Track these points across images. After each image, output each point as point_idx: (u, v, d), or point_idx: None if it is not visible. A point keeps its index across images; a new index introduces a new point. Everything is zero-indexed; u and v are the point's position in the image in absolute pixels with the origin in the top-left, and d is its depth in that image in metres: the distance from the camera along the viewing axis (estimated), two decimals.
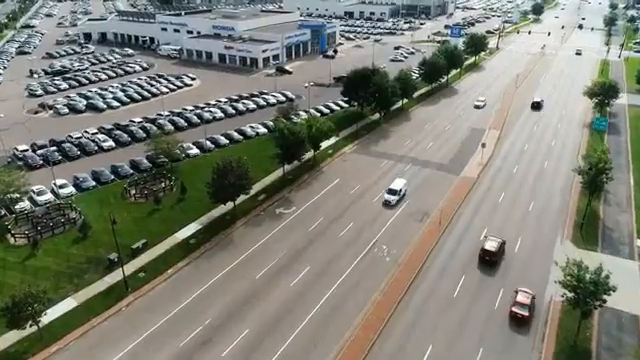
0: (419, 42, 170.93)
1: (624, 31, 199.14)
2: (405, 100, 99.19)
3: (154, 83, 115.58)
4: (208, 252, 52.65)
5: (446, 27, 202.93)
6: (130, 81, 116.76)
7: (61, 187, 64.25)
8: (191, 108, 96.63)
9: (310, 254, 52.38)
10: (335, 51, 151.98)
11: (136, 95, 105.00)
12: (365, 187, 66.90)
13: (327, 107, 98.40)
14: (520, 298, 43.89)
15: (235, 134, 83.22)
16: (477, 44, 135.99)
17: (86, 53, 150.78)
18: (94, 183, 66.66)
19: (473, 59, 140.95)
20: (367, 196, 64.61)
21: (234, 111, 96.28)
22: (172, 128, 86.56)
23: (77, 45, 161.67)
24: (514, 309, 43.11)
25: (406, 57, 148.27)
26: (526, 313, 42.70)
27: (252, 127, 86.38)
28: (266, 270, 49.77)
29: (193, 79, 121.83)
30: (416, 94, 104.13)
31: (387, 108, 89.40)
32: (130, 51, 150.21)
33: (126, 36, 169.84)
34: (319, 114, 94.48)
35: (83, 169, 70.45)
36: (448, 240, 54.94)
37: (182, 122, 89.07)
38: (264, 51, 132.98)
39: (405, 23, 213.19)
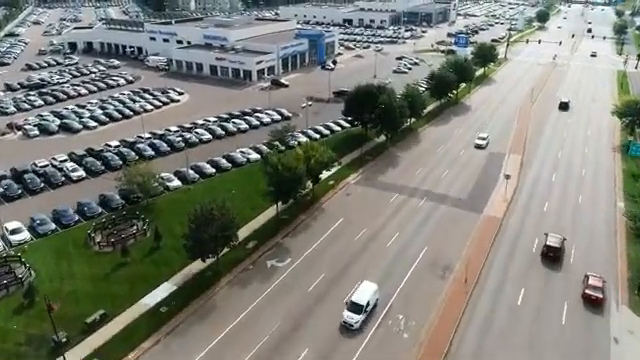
0: (422, 52, 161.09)
1: (636, 40, 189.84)
2: (413, 119, 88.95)
3: (137, 99, 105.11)
4: (182, 325, 42.03)
5: (449, 35, 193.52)
6: (112, 97, 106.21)
7: (13, 232, 53.76)
8: (175, 129, 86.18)
9: (310, 328, 41.89)
10: (334, 62, 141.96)
11: (116, 113, 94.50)
12: (374, 230, 56.48)
13: (327, 127, 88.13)
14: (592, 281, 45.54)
15: (223, 161, 72.73)
16: (486, 55, 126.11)
17: (69, 64, 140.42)
18: (54, 226, 56.08)
19: (482, 71, 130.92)
20: (376, 243, 54.19)
21: (223, 132, 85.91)
22: (153, 153, 76.14)
23: (61, 55, 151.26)
24: (587, 291, 44.82)
25: (410, 68, 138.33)
26: (600, 295, 44.35)
27: (243, 152, 76.00)
28: (255, 352, 39.25)
29: (181, 94, 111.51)
30: (424, 111, 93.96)
31: (395, 130, 79.09)
32: (116, 62, 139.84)
33: (113, 46, 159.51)
34: (318, 135, 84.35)
35: (46, 206, 59.97)
36: (479, 305, 44.52)
37: (164, 146, 78.58)
38: (258, 63, 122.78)
39: (406, 31, 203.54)
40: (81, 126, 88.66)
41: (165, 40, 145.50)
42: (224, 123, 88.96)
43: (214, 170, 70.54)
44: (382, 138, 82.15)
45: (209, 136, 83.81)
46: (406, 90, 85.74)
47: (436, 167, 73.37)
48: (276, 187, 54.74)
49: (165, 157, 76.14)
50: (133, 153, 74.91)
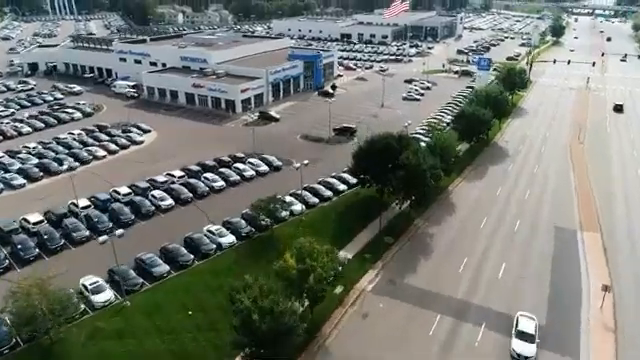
0: (433, 72, 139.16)
1: None
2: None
3: (90, 141, 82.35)
4: None
5: (459, 52, 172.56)
6: (57, 139, 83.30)
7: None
8: (126, 191, 63.22)
9: None
10: (333, 86, 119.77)
11: (55, 164, 71.61)
12: None
13: (328, 186, 65.52)
14: None
15: (182, 253, 49.78)
16: (515, 80, 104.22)
17: (23, 90, 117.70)
18: None
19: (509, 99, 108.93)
20: None
21: (190, 194, 63.13)
22: (62, 242, 52.66)
23: (18, 79, 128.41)
24: None
25: (422, 94, 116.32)
26: None
27: (211, 234, 53.26)
28: None
29: (146, 132, 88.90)
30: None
31: (424, 198, 56.55)
32: (77, 88, 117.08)
33: (79, 67, 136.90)
34: (317, 200, 61.75)
35: None
36: None
37: (104, 220, 55.77)
38: (243, 91, 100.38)
39: (411, 47, 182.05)
40: (1, 186, 65.79)
41: (137, 61, 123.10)
42: (192, 180, 66.12)
43: (165, 270, 47.55)
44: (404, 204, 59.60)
45: (170, 202, 61.00)
46: (435, 139, 63.25)
47: (486, 257, 50.81)
48: (251, 338, 32.05)
49: (83, 246, 53.20)
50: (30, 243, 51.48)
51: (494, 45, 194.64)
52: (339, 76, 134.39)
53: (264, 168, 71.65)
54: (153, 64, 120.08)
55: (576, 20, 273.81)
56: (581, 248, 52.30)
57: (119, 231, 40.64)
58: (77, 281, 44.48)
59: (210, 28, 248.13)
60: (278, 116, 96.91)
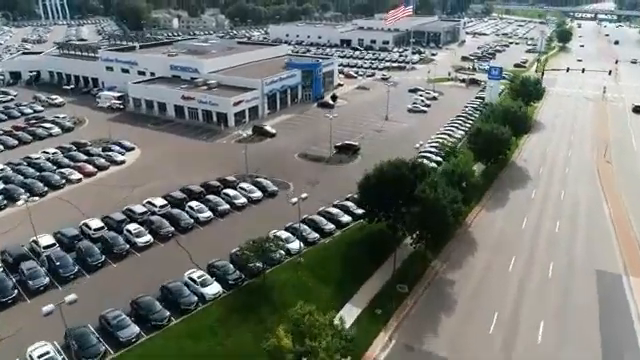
0: (438, 81, 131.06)
1: None
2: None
3: (66, 161, 73.92)
4: None
5: (464, 59, 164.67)
6: (29, 159, 74.76)
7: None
8: (97, 225, 54.69)
9: None
10: (334, 97, 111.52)
11: (21, 190, 63.05)
12: None
13: (330, 217, 57.14)
14: None
15: (155, 309, 41.27)
16: (531, 91, 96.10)
17: (1, 101, 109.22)
18: None
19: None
20: None
21: (171, 229, 54.69)
22: (15, 293, 44.32)
23: None
24: None
25: (428, 105, 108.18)
26: None
27: (193, 281, 44.75)
28: None
29: (129, 150, 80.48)
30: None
31: (442, 238, 48.13)
32: (58, 99, 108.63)
33: (64, 76, 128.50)
34: (317, 235, 53.36)
35: None
36: None
37: (56, 267, 47.30)
38: (236, 103, 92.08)
39: (413, 53, 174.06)
40: None
41: (124, 70, 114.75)
42: (175, 211, 57.69)
43: (132, 334, 39.05)
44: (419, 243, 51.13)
45: (147, 238, 52.52)
46: (452, 165, 54.87)
47: (519, 313, 42.42)
48: None
49: (42, 295, 44.86)
50: None
51: (499, 51, 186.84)
52: (339, 85, 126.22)
53: (257, 194, 63.20)
54: (141, 73, 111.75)
55: (579, 26, 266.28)
56: (631, 299, 43.95)
57: (70, 297, 32.14)
58: (24, 350, 36.08)
59: (206, 33, 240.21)
60: (274, 131, 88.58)
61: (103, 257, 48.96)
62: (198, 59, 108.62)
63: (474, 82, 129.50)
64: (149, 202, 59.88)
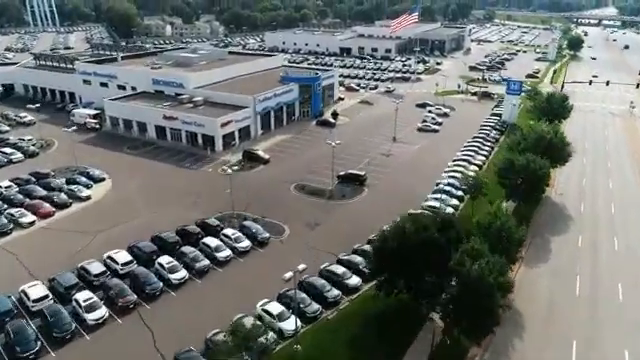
0: (447, 94, 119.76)
1: None
2: None
3: (20, 197, 62.08)
4: None
5: (472, 69, 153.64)
6: None
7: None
8: (39, 294, 42.71)
9: None
10: (335, 114, 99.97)
11: None
12: None
13: (335, 278, 45.30)
14: None
15: None
16: (557, 109, 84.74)
17: None
18: None
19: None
20: None
21: (133, 297, 42.83)
22: None
23: None
24: None
25: (440, 123, 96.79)
26: None
27: None
28: None
29: (99, 181, 68.69)
30: None
31: (488, 325, 36.09)
32: (28, 117, 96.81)
33: (40, 90, 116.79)
34: (317, 307, 41.55)
35: None
36: None
37: None
38: (224, 124, 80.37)
39: (417, 62, 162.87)
40: None
41: (103, 84, 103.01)
42: (141, 271, 45.91)
43: None
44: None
45: (101, 313, 40.67)
46: (492, 218, 43.09)
47: None
48: None
49: None
50: None
51: (507, 60, 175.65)
52: (340, 99, 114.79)
53: (245, 244, 51.42)
54: (121, 88, 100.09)
55: (586, 34, 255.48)
56: None
57: None
58: None
59: (199, 41, 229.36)
60: (267, 156, 76.89)
61: (39, 344, 37.16)
62: (183, 73, 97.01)
63: (487, 95, 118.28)
64: (110, 258, 48.03)
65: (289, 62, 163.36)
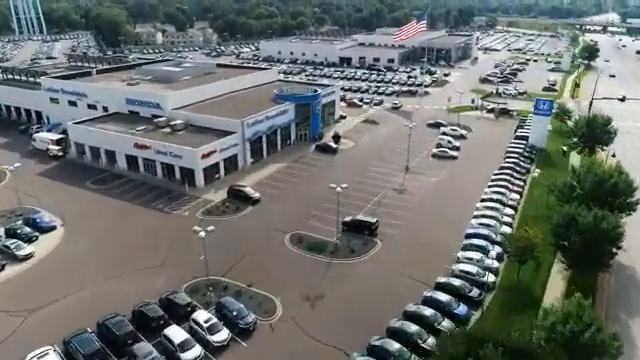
0: (460, 110, 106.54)
1: None
2: None
3: None
4: None
5: (483, 81, 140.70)
6: None
7: None
8: None
9: None
10: (336, 137, 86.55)
11: None
12: None
13: None
14: None
15: None
16: (600, 135, 71.49)
17: None
18: None
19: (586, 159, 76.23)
20: None
21: None
22: None
23: None
24: None
25: (457, 148, 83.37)
26: None
27: None
28: None
29: (48, 230, 55.03)
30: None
31: None
32: None
33: (4, 108, 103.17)
34: None
35: None
36: None
37: None
38: (206, 155, 66.71)
39: (422, 73, 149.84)
40: None
41: (72, 103, 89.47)
42: None
43: None
44: None
45: None
46: (575, 330, 29.42)
47: None
48: None
49: None
50: None
51: (519, 70, 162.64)
52: (342, 118, 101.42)
53: (221, 336, 37.75)
54: (92, 107, 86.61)
55: (589, 43, 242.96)
56: None
57: None
58: None
59: (191, 49, 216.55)
60: (257, 195, 63.31)
61: None
62: (162, 91, 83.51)
63: (505, 113, 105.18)
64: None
65: (285, 73, 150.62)
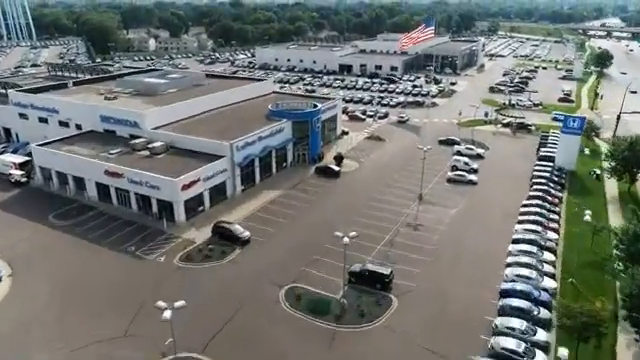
0: (472, 124, 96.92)
1: None
2: None
3: None
4: None
5: (493, 90, 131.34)
6: None
7: None
8: None
9: None
10: (339, 159, 76.47)
11: None
12: None
13: None
14: None
15: None
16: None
17: None
18: None
19: (620, 187, 66.56)
20: None
21: None
22: None
23: None
24: None
25: (475, 170, 73.42)
26: None
27: None
28: None
29: None
30: None
31: None
32: None
33: None
34: None
35: None
36: None
37: None
38: (187, 186, 56.49)
39: (428, 82, 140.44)
40: None
41: (42, 120, 79.33)
42: None
43: None
44: None
45: None
46: None
47: None
48: None
49: None
50: None
51: (529, 78, 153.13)
52: (344, 134, 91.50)
53: None
54: (64, 125, 76.48)
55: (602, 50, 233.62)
56: None
57: None
58: None
59: (184, 56, 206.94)
60: (246, 234, 53.27)
61: None
62: (141, 107, 73.33)
63: (522, 127, 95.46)
64: None
65: (282, 82, 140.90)
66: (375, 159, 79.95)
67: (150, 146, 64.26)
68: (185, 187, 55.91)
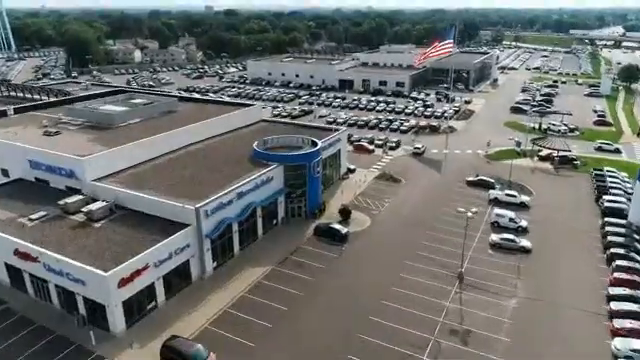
0: (501, 158, 79.06)
1: None
2: None
3: None
4: None
5: (515, 111, 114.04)
6: None
7: None
8: None
9: None
10: (345, 213, 58.01)
11: None
12: None
13: None
14: None
15: None
16: None
17: None
18: None
19: None
20: None
21: None
22: None
23: None
24: None
25: (525, 229, 55.29)
26: None
27: None
28: None
29: None
30: None
31: None
32: None
33: None
34: None
35: None
36: None
37: None
38: (128, 280, 37.78)
39: (439, 99, 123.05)
40: None
41: None
42: None
43: None
44: None
45: None
46: None
47: None
48: None
49: None
50: None
51: (551, 95, 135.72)
52: (349, 172, 73.21)
53: None
54: None
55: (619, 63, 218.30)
56: None
57: None
58: None
59: (170, 69, 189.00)
60: (212, 356, 34.56)
61: None
62: (84, 146, 54.70)
63: (566, 162, 77.53)
64: None
65: (275, 100, 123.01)
66: (391, 210, 61.70)
67: (85, 209, 45.70)
68: (124, 282, 37.40)
